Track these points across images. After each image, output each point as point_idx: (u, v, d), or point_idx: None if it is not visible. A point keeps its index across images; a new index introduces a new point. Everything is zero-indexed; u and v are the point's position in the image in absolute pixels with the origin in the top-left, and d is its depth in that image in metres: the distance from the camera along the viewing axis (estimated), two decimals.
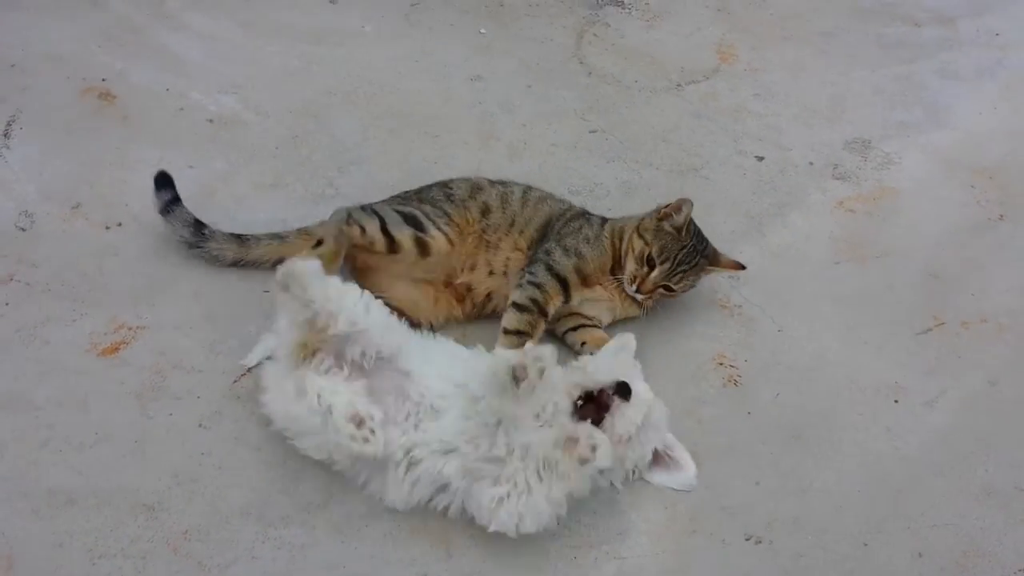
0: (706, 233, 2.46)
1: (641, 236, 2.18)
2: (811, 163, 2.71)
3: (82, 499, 1.87)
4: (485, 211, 2.23)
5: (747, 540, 1.89)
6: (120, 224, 2.37)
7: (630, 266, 2.16)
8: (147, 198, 2.41)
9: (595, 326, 2.21)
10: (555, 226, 2.24)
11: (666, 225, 2.16)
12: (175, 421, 1.99)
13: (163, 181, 2.29)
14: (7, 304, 2.17)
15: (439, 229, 2.18)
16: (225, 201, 2.45)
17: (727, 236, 2.47)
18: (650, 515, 1.92)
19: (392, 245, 2.13)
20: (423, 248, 2.14)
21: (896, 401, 2.14)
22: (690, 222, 2.17)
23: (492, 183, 2.31)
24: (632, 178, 2.65)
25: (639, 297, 2.16)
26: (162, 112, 2.68)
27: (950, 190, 2.67)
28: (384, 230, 2.14)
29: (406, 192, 2.33)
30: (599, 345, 2.13)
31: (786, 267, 2.42)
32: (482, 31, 3.10)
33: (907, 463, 2.03)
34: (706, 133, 2.81)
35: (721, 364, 2.19)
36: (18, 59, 2.77)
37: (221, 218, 2.37)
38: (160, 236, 2.34)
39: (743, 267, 2.23)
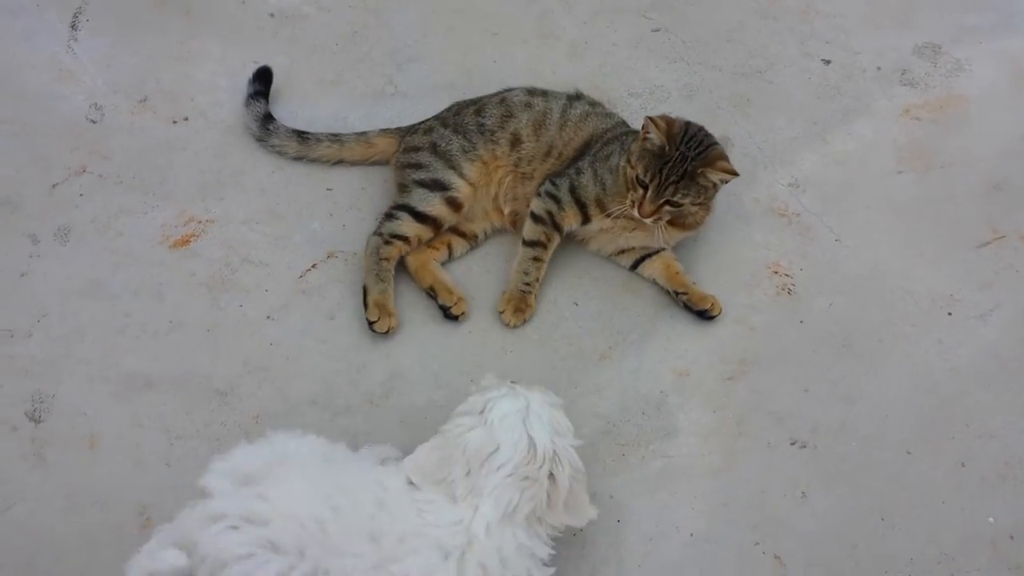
0: (767, 139, 2.45)
1: (628, 160, 2.07)
2: (879, 68, 2.65)
3: (159, 383, 1.98)
4: (515, 142, 2.19)
5: (792, 444, 1.95)
6: (186, 119, 2.41)
7: (629, 194, 2.07)
8: (212, 93, 2.47)
9: (654, 253, 2.18)
10: (593, 147, 2.18)
11: (647, 144, 2.04)
12: (244, 312, 2.08)
13: (261, 74, 2.41)
14: (81, 195, 2.26)
15: (464, 178, 2.16)
16: (288, 96, 2.48)
17: (789, 142, 2.45)
18: (698, 418, 1.98)
19: (435, 223, 2.14)
20: (455, 205, 2.15)
21: (949, 313, 2.14)
22: (679, 131, 2.04)
23: (529, 104, 2.23)
24: (694, 80, 2.61)
25: (647, 221, 2.05)
26: (224, 5, 2.69)
27: (1020, 99, 2.59)
28: (418, 215, 2.13)
29: (447, 110, 2.31)
30: (664, 275, 2.15)
31: (847, 175, 2.40)
32: None
33: (956, 375, 2.05)
34: (771, 34, 2.74)
35: (776, 272, 2.20)
36: None
37: (284, 114, 2.41)
38: (226, 131, 2.39)
39: (736, 174, 2.04)
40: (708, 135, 2.09)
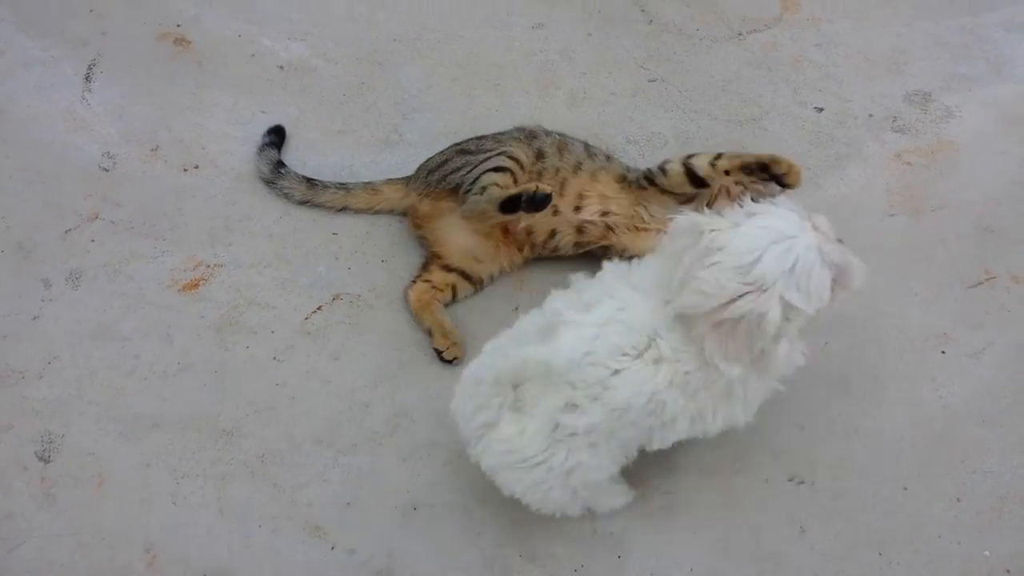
0: None
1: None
2: (870, 115, 2.72)
3: (167, 424, 2.02)
4: (540, 155, 2.28)
5: (790, 480, 1.97)
6: (197, 167, 2.49)
7: None
8: (222, 142, 2.54)
9: None
10: (637, 177, 2.28)
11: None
12: (251, 354, 2.13)
13: (275, 129, 2.53)
14: (93, 241, 2.32)
15: (510, 157, 2.23)
16: (296, 146, 2.56)
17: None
18: (697, 454, 2.00)
19: (520, 164, 2.22)
20: (519, 163, 2.23)
21: (943, 352, 2.18)
22: None
23: (547, 132, 2.36)
24: (690, 128, 2.68)
25: None
26: (235, 58, 2.78)
27: (1009, 144, 2.66)
28: (497, 169, 2.20)
29: (460, 142, 2.38)
30: None
31: (841, 219, 2.39)
32: None
33: (950, 412, 2.08)
34: (766, 83, 2.82)
35: None
36: (96, 4, 2.88)
37: (292, 162, 2.48)
38: (236, 179, 2.46)
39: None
40: None
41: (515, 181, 2.20)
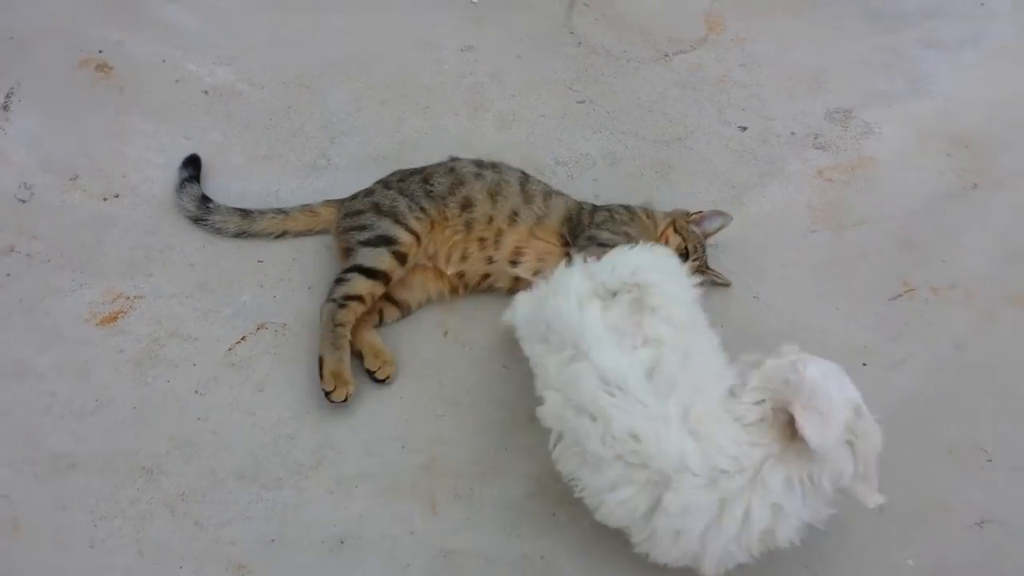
0: (688, 203, 2.54)
1: (678, 232, 2.30)
2: (793, 133, 2.77)
3: (84, 463, 1.97)
4: (466, 205, 2.26)
5: None
6: (117, 196, 2.44)
7: None
8: (143, 170, 2.50)
9: None
10: (581, 219, 2.29)
11: (695, 228, 2.32)
12: (172, 387, 2.08)
13: (190, 161, 2.46)
14: (8, 275, 2.25)
15: (409, 231, 2.21)
16: (220, 172, 2.52)
17: (709, 206, 2.52)
18: None
19: (385, 277, 2.16)
20: (402, 259, 2.19)
21: (864, 364, 2.21)
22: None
23: (478, 175, 2.31)
24: (618, 149, 2.70)
25: None
26: (159, 84, 2.74)
27: (927, 159, 2.72)
28: (368, 272, 2.16)
29: (390, 176, 2.37)
30: None
31: (764, 236, 2.49)
32: (474, 1, 3.13)
33: None
34: (691, 103, 2.85)
35: None
36: (16, 31, 2.82)
37: (215, 188, 2.44)
38: (157, 207, 2.42)
39: (728, 283, 2.35)
40: None
41: (403, 260, 2.19)
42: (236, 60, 2.84)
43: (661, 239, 2.29)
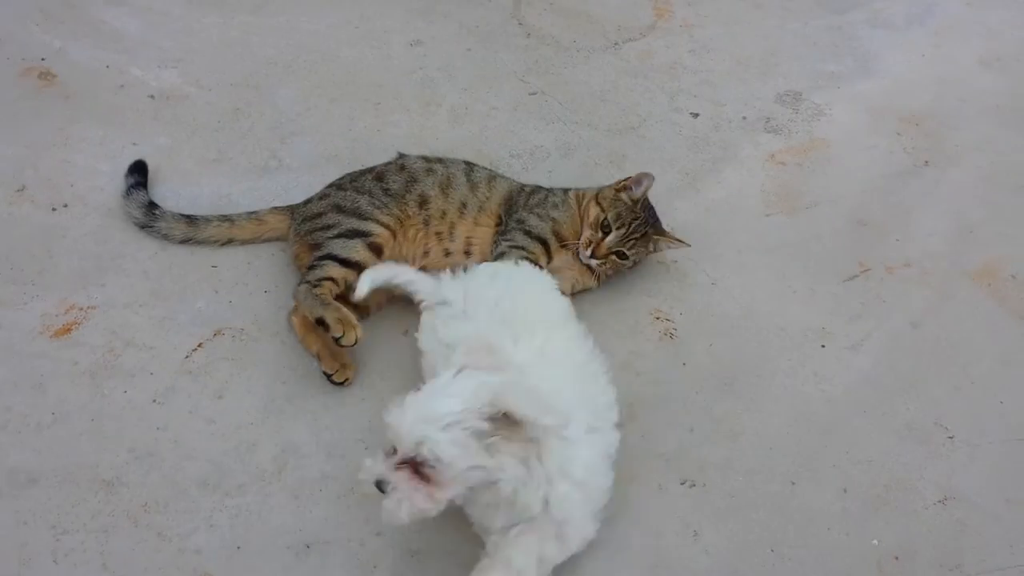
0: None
1: (599, 204, 2.27)
2: (744, 117, 2.79)
3: (43, 477, 1.93)
4: (423, 202, 2.26)
5: (682, 484, 1.99)
6: (66, 205, 2.39)
7: (586, 232, 2.25)
8: (92, 178, 2.46)
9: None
10: (518, 200, 2.31)
11: (624, 196, 2.27)
12: (130, 398, 2.05)
13: (136, 167, 2.42)
14: None
15: (380, 224, 2.21)
16: (169, 177, 2.48)
17: (663, 194, 2.54)
18: None
19: (358, 267, 2.14)
20: (377, 251, 2.18)
21: (823, 346, 2.24)
22: (643, 198, 2.28)
23: (428, 170, 2.31)
24: (571, 139, 2.70)
25: (593, 263, 2.24)
26: (103, 90, 2.69)
27: (877, 138, 2.76)
28: (343, 261, 2.14)
29: (340, 179, 2.34)
30: None
31: (719, 221, 2.50)
32: None
33: (833, 404, 2.14)
34: (643, 91, 2.86)
35: (658, 318, 2.28)
36: None
37: (165, 194, 2.41)
38: (106, 215, 2.37)
39: (688, 244, 2.31)
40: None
41: (378, 252, 2.18)
42: (181, 63, 2.80)
43: (582, 213, 2.29)
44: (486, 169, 2.39)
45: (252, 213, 2.34)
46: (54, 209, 2.39)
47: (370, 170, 2.33)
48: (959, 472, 2.04)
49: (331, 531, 1.89)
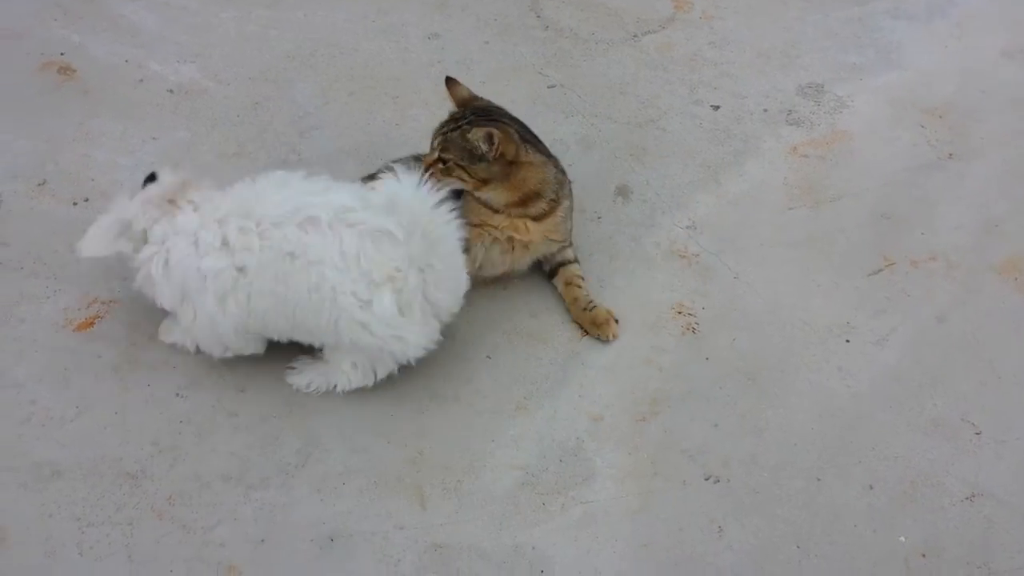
0: (663, 185, 2.54)
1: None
2: (765, 110, 2.77)
3: (68, 470, 1.94)
4: None
5: (706, 480, 1.99)
6: (87, 200, 2.40)
7: None
8: (112, 172, 2.46)
9: (562, 265, 2.29)
10: None
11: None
12: (153, 391, 2.05)
13: (151, 179, 2.34)
14: None
15: None
16: (190, 171, 2.46)
17: (684, 186, 2.54)
18: (614, 461, 2.01)
19: None
20: None
21: (847, 341, 2.22)
22: (472, 100, 2.23)
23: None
24: (591, 132, 2.69)
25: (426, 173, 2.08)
26: (122, 84, 2.70)
27: (901, 131, 2.73)
28: None
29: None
30: (563, 289, 2.27)
31: (741, 214, 2.48)
32: None
33: (858, 400, 2.12)
34: (663, 84, 2.84)
35: (680, 313, 2.26)
36: None
37: None
38: None
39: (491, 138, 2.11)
40: (503, 114, 2.21)
41: None
42: (199, 57, 2.80)
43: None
44: None
45: None
46: (75, 203, 2.40)
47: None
48: (986, 468, 2.02)
49: (354, 524, 1.89)
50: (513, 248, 2.21)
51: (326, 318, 1.90)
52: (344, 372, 2.04)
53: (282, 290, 1.89)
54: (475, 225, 2.16)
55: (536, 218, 2.19)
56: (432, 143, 2.16)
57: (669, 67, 2.88)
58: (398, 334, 1.93)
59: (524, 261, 2.25)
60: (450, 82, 2.23)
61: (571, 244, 2.30)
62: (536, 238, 2.20)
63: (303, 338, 2.00)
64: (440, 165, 2.12)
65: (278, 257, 1.88)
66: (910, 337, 2.24)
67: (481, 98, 2.23)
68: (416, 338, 1.95)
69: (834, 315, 2.27)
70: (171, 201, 1.98)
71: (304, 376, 2.07)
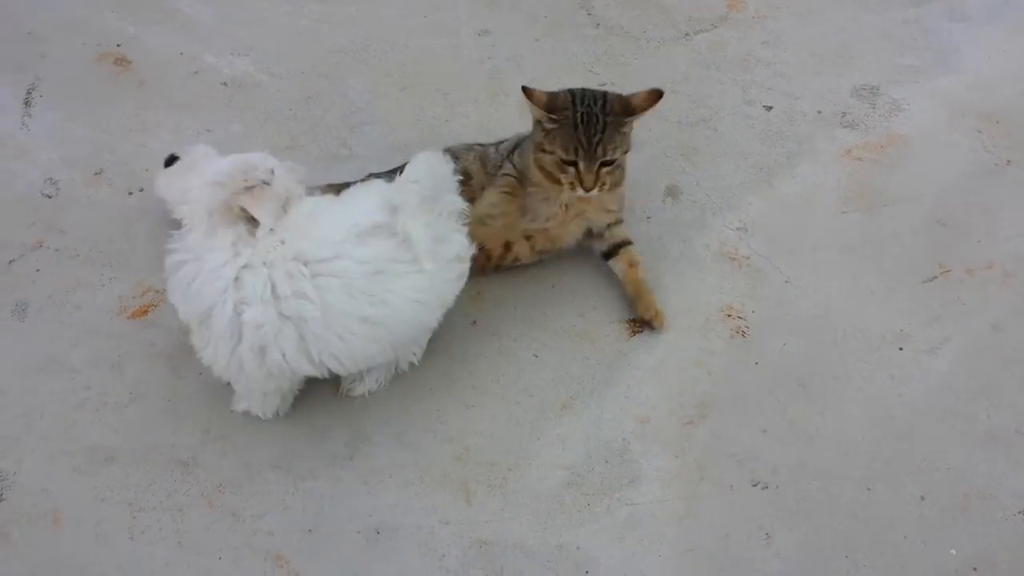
0: (714, 185, 2.51)
1: (542, 149, 2.10)
2: (819, 111, 2.73)
3: (120, 456, 1.97)
4: (467, 176, 2.24)
5: (754, 486, 1.97)
6: (142, 190, 2.43)
7: (563, 178, 2.10)
8: None
9: (622, 246, 2.30)
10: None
11: (545, 122, 2.09)
12: (205, 380, 2.08)
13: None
14: (38, 270, 2.26)
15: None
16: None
17: (736, 188, 2.51)
18: (660, 463, 2.00)
19: None
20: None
21: (900, 348, 2.19)
22: (569, 97, 2.09)
23: (470, 147, 2.36)
24: (641, 131, 2.63)
25: (593, 193, 2.10)
26: (177, 76, 2.73)
27: (957, 135, 2.68)
28: None
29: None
30: (624, 273, 2.27)
31: (793, 217, 2.46)
32: None
33: (910, 409, 2.09)
34: (715, 83, 2.82)
35: (729, 316, 2.25)
36: (34, 26, 2.82)
37: None
38: None
39: (660, 93, 2.13)
40: (591, 89, 2.15)
41: None
42: (253, 51, 2.83)
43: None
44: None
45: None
46: (130, 193, 2.43)
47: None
48: None
49: (400, 517, 1.91)
50: (566, 209, 2.20)
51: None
52: (405, 358, 2.06)
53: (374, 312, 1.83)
54: (535, 184, 2.16)
55: None
56: (579, 163, 2.05)
57: (721, 66, 2.86)
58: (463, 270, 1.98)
59: (573, 229, 2.25)
60: (527, 91, 2.10)
61: (623, 221, 2.31)
62: (593, 204, 2.20)
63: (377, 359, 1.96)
64: (606, 170, 2.08)
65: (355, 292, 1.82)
66: (965, 346, 2.21)
67: (556, 91, 2.14)
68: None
69: (887, 322, 2.24)
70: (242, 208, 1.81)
71: (370, 379, 2.06)
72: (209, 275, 1.78)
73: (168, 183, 2.01)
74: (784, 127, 2.69)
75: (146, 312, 2.19)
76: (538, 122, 2.12)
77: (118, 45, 2.79)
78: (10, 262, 2.27)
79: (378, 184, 1.98)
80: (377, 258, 1.82)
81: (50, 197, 2.41)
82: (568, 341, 2.21)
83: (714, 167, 2.57)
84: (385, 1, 3.03)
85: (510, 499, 1.95)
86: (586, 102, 2.08)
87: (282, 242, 1.79)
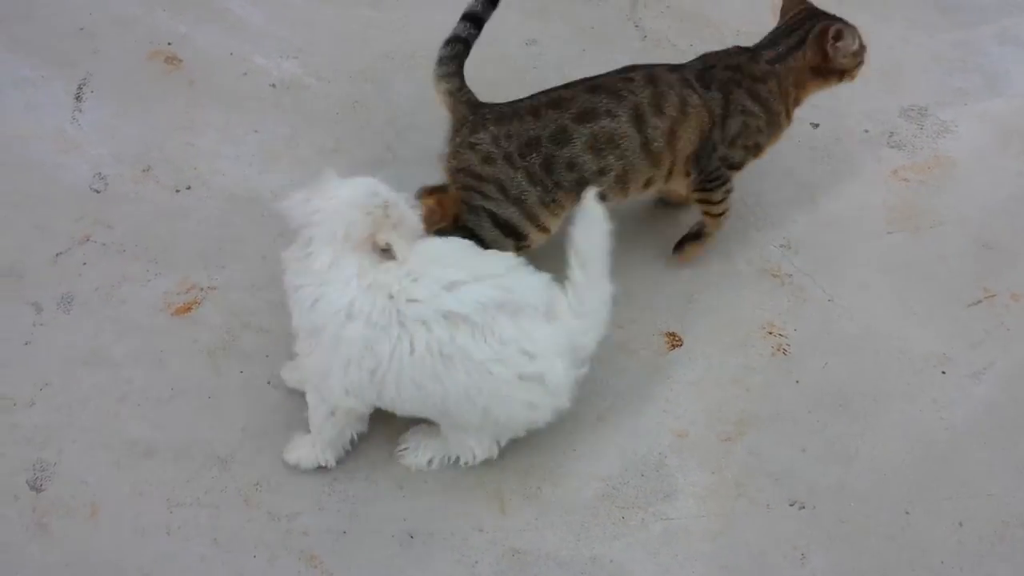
0: (758, 201, 2.50)
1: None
2: (866, 131, 2.71)
3: (160, 451, 2.00)
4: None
5: (791, 505, 1.95)
6: (189, 187, 2.46)
7: None
8: (214, 162, 2.52)
9: None
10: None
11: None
12: (246, 378, 2.10)
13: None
14: (85, 264, 2.29)
15: (539, 228, 2.11)
16: (289, 164, 2.53)
17: (780, 204, 2.50)
18: (697, 479, 1.99)
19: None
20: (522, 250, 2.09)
21: (943, 372, 2.17)
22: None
23: None
24: None
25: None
26: (226, 76, 2.76)
27: (1006, 159, 2.65)
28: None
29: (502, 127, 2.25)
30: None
31: (838, 236, 2.44)
32: None
33: (951, 434, 2.07)
34: None
35: (770, 333, 2.23)
36: (86, 23, 2.86)
37: (283, 182, 2.45)
38: (227, 199, 2.43)
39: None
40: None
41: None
42: (302, 54, 2.85)
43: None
44: None
45: None
46: (177, 191, 2.46)
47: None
48: None
49: (435, 523, 1.91)
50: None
51: (481, 404, 1.81)
52: (469, 448, 1.93)
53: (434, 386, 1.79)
54: None
55: None
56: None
57: None
58: (561, 400, 1.87)
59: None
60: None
61: None
62: None
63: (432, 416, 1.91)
64: None
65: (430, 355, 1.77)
66: (1008, 372, 2.18)
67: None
68: (566, 393, 1.88)
69: (930, 345, 2.21)
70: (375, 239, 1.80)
71: (422, 455, 1.97)
72: (333, 298, 1.76)
73: (296, 203, 1.86)
74: (830, 145, 2.67)
75: (190, 309, 2.22)
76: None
77: (169, 44, 2.83)
78: (57, 255, 2.31)
79: (546, 279, 1.87)
80: (505, 343, 1.77)
81: (98, 192, 2.44)
82: (606, 353, 2.18)
83: (758, 182, 2.55)
84: (432, 8, 3.03)
85: (544, 509, 1.95)
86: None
87: (414, 280, 1.76)
